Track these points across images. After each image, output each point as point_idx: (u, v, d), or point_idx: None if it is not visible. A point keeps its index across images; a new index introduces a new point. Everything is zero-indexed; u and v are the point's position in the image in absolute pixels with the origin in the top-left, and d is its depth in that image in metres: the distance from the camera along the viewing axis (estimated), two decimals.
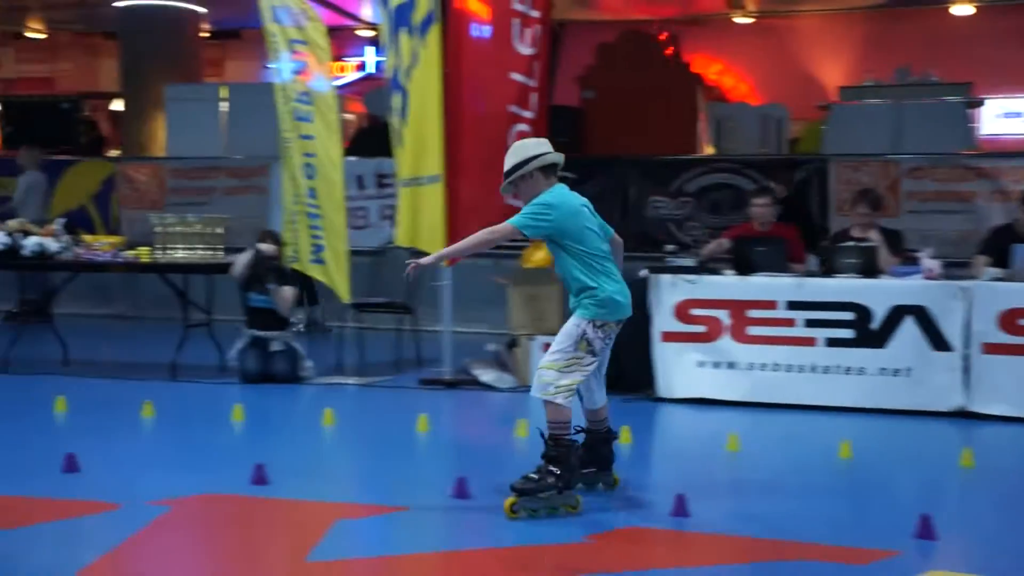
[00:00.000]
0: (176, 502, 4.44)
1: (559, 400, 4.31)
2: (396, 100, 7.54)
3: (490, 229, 4.38)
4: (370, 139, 11.75)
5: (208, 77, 16.32)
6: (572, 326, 4.43)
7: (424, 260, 4.48)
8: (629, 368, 7.24)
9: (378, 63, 16.70)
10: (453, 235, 7.34)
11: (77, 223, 9.27)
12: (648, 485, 4.99)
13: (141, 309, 11.82)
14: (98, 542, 3.92)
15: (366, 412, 6.85)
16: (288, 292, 7.51)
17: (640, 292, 7.15)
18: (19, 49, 19.31)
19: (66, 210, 12.04)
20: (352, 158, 10.99)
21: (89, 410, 6.51)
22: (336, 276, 7.60)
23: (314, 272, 7.69)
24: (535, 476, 4.32)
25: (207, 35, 16.57)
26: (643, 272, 7.26)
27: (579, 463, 4.46)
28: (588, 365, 4.38)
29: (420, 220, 7.40)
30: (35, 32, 18.54)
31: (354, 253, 7.83)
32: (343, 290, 7.60)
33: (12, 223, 7.86)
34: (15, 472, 4.86)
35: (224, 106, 12.89)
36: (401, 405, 6.96)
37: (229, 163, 12.05)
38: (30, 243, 7.69)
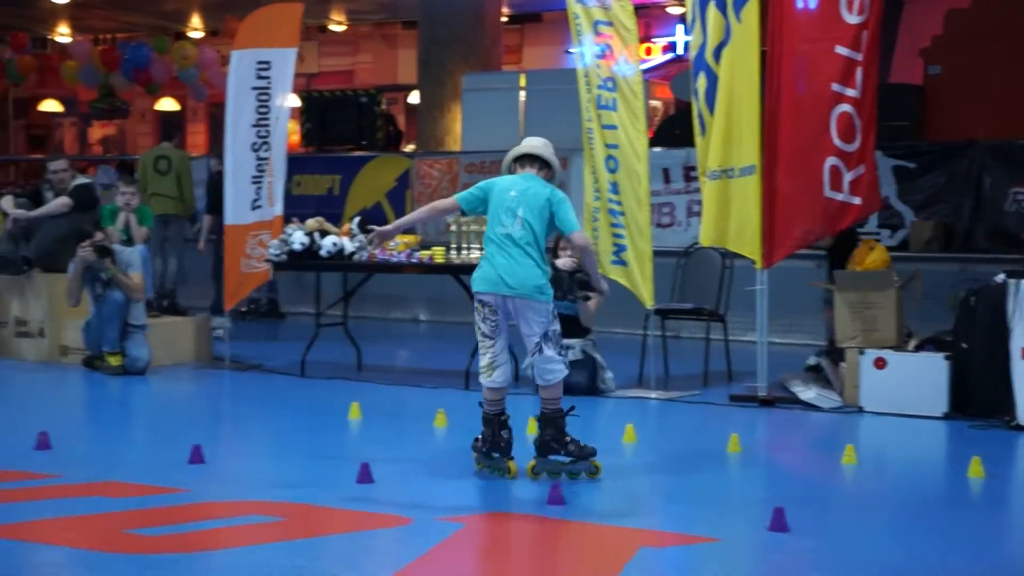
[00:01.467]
0: (469, 519, 4.62)
1: (481, 380, 5.31)
2: (701, 82, 7.46)
3: (436, 202, 5.53)
4: (677, 127, 11.73)
5: (506, 64, 16.90)
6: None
7: (383, 229, 5.56)
8: (980, 389, 6.79)
9: (687, 43, 16.63)
10: (770, 233, 7.18)
11: (372, 221, 9.85)
12: (1006, 531, 4.63)
13: (435, 313, 12.43)
14: (390, 558, 4.15)
15: (670, 429, 6.83)
16: (594, 304, 7.60)
17: (996, 300, 6.67)
18: (322, 42, 20.88)
19: (361, 208, 12.90)
20: (658, 149, 11.03)
21: (382, 417, 6.91)
22: (639, 279, 7.63)
23: (615, 275, 7.76)
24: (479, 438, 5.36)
25: (506, 19, 17.16)
26: (1000, 276, 6.76)
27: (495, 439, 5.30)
28: (489, 347, 5.24)
29: (729, 217, 7.29)
30: (337, 24, 19.97)
31: (658, 254, 7.83)
32: (646, 295, 7.62)
33: (311, 222, 8.50)
34: (312, 479, 5.24)
35: (522, 95, 13.30)
36: (709, 423, 6.88)
37: None
38: (327, 243, 8.29)
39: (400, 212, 13.00)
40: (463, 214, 5.79)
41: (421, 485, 5.14)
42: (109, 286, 8.26)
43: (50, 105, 21.57)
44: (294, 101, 13.24)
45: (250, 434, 6.71)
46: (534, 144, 5.45)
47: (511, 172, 5.42)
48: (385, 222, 12.53)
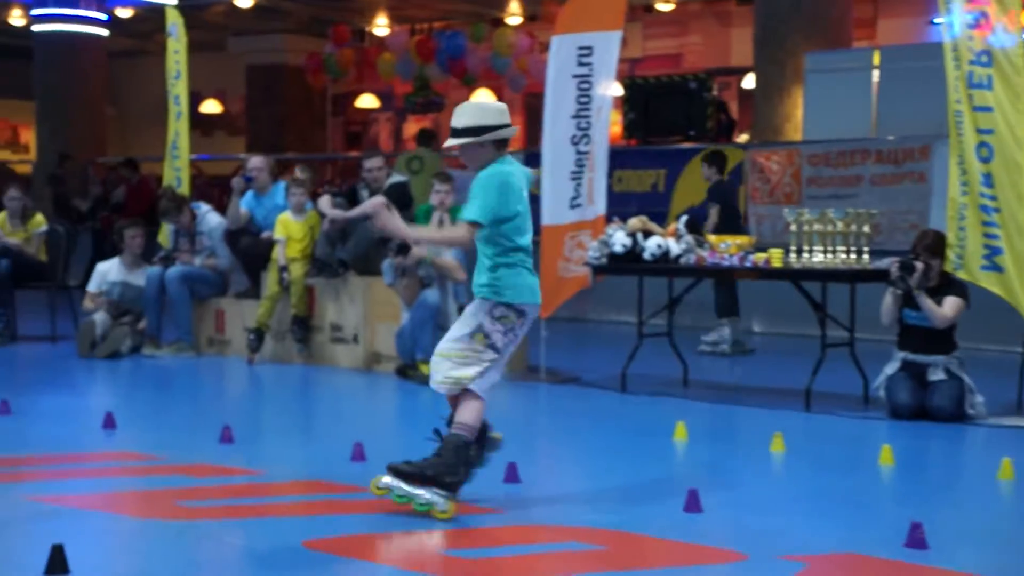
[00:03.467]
0: (813, 559, 4.49)
1: (444, 388, 5.02)
2: None
3: (452, 230, 5.30)
4: None
5: (857, 40, 16.38)
6: (470, 313, 4.98)
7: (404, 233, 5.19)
8: None
9: None
10: None
11: (701, 220, 9.82)
12: None
13: (771, 323, 12.21)
14: None
15: None
16: (951, 307, 7.26)
17: None
18: (647, 24, 21.04)
19: (689, 206, 12.87)
20: None
21: (711, 439, 6.87)
22: (1018, 287, 7.17)
23: (987, 282, 7.34)
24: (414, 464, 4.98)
25: None
26: None
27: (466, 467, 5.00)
28: (488, 360, 4.93)
29: None
30: (664, 3, 20.07)
31: None
32: None
33: (633, 222, 8.56)
34: (635, 505, 5.27)
35: (875, 75, 12.85)
36: None
37: (880, 145, 11.98)
38: (650, 244, 8.33)
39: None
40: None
41: (757, 517, 5.05)
42: (425, 280, 8.63)
43: (367, 100, 22.95)
44: (616, 89, 13.42)
45: (567, 452, 6.84)
46: (506, 115, 4.96)
47: (492, 149, 4.91)
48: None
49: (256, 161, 10.50)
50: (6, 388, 8.13)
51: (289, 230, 9.82)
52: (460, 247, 5.63)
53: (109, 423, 6.80)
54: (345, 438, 6.25)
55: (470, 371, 4.97)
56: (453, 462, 4.96)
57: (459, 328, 5.03)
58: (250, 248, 10.28)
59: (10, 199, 10.85)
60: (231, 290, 10.64)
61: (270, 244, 9.93)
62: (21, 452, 6.30)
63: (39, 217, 11.10)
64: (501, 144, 4.97)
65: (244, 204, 10.38)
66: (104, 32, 20.28)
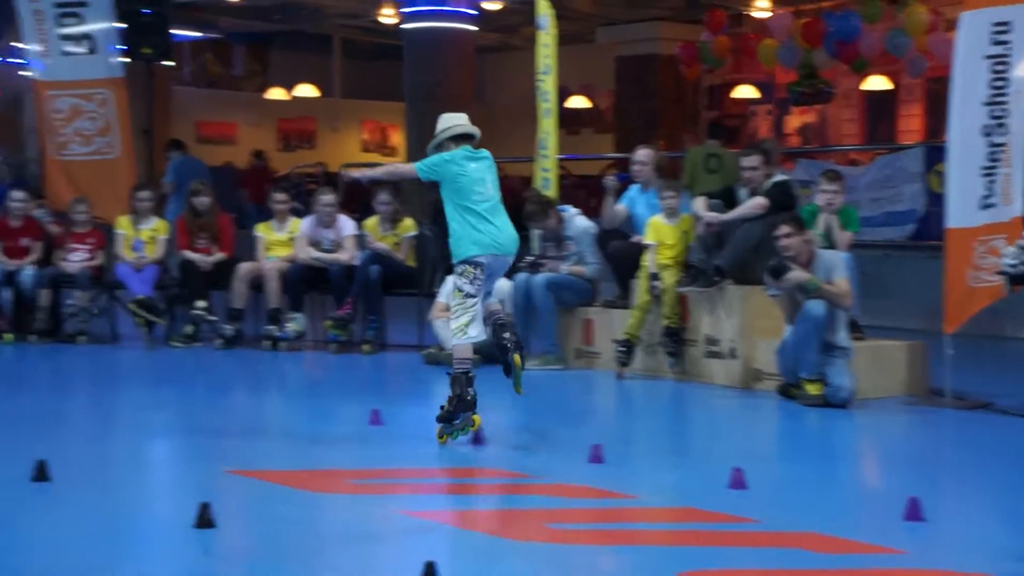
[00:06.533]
0: None
1: (455, 340, 6.97)
2: None
3: (397, 164, 7.62)
4: None
5: None
6: (449, 279, 7.23)
7: (355, 173, 7.89)
8: None
9: None
10: None
11: None
12: None
13: None
14: None
15: None
16: None
17: None
18: None
19: None
20: None
21: None
22: None
23: None
24: (446, 405, 6.96)
25: None
26: None
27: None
28: (472, 307, 6.94)
29: None
30: None
31: None
32: None
33: None
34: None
35: None
36: None
37: None
38: None
39: None
40: (419, 182, 7.38)
41: None
42: (807, 294, 8.45)
43: (744, 91, 22.76)
44: None
45: (978, 489, 6.53)
46: (466, 122, 7.21)
47: (452, 145, 7.09)
48: None
49: (641, 155, 10.63)
50: (377, 398, 8.67)
51: (660, 235, 9.87)
52: (403, 177, 8.43)
53: (477, 438, 7.11)
54: (722, 463, 6.24)
55: (464, 319, 6.92)
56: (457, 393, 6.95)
57: (449, 293, 7.34)
58: (620, 252, 10.43)
59: (381, 203, 11.51)
60: (600, 298, 10.84)
61: (641, 248, 10.02)
62: (392, 465, 6.71)
63: (408, 221, 11.68)
64: (451, 141, 7.13)
65: (625, 200, 10.58)
66: (472, 27, 21.20)
